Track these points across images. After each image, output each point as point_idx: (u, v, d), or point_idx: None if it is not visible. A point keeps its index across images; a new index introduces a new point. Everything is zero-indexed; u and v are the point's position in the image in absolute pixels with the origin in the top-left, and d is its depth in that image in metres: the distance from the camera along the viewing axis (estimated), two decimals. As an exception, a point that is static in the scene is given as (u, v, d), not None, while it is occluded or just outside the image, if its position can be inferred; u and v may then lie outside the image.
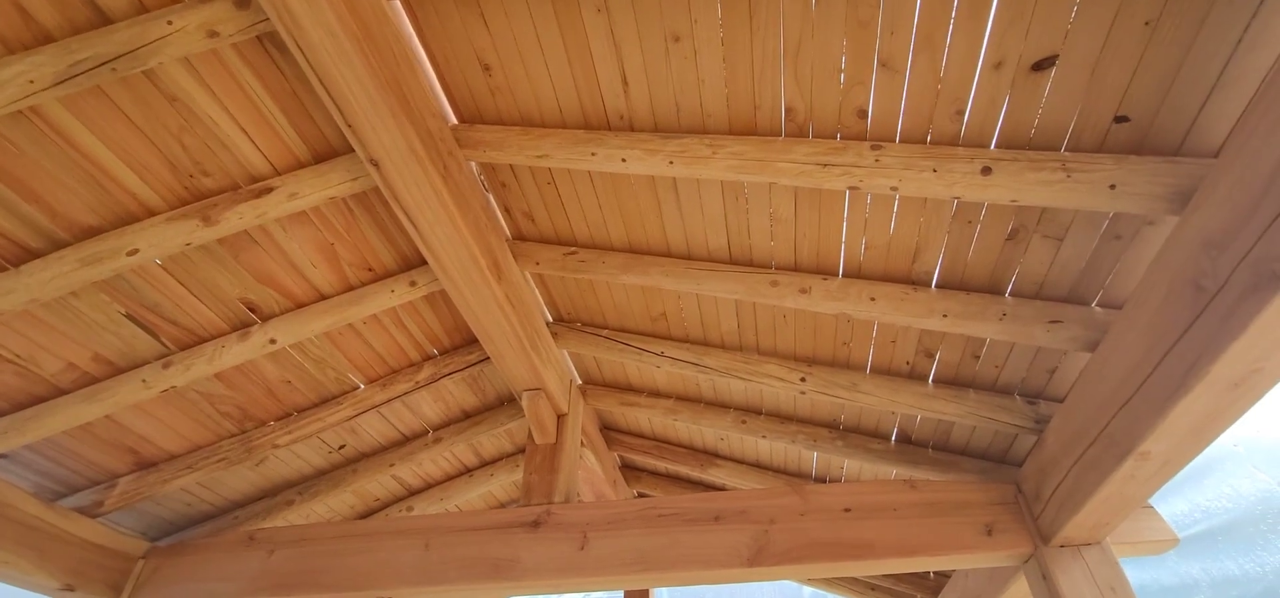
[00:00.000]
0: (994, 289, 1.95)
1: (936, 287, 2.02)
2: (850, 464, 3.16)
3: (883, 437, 2.86)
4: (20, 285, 1.87)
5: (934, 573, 3.85)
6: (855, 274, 2.09)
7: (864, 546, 2.33)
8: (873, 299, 2.03)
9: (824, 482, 3.43)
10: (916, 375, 2.43)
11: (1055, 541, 2.20)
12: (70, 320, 2.10)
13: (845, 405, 2.76)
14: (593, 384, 3.35)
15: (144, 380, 2.28)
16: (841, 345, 2.44)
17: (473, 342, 2.91)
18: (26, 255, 1.91)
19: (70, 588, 2.47)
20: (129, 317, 2.18)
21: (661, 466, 3.99)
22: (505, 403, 3.34)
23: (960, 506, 2.39)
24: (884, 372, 2.46)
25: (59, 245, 1.92)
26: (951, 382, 2.38)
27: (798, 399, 2.86)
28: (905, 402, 2.40)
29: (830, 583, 4.36)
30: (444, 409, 3.23)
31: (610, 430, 3.85)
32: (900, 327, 2.25)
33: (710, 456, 3.62)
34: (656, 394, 3.22)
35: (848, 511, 2.42)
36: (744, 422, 3.04)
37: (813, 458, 3.27)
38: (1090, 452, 1.88)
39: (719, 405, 3.10)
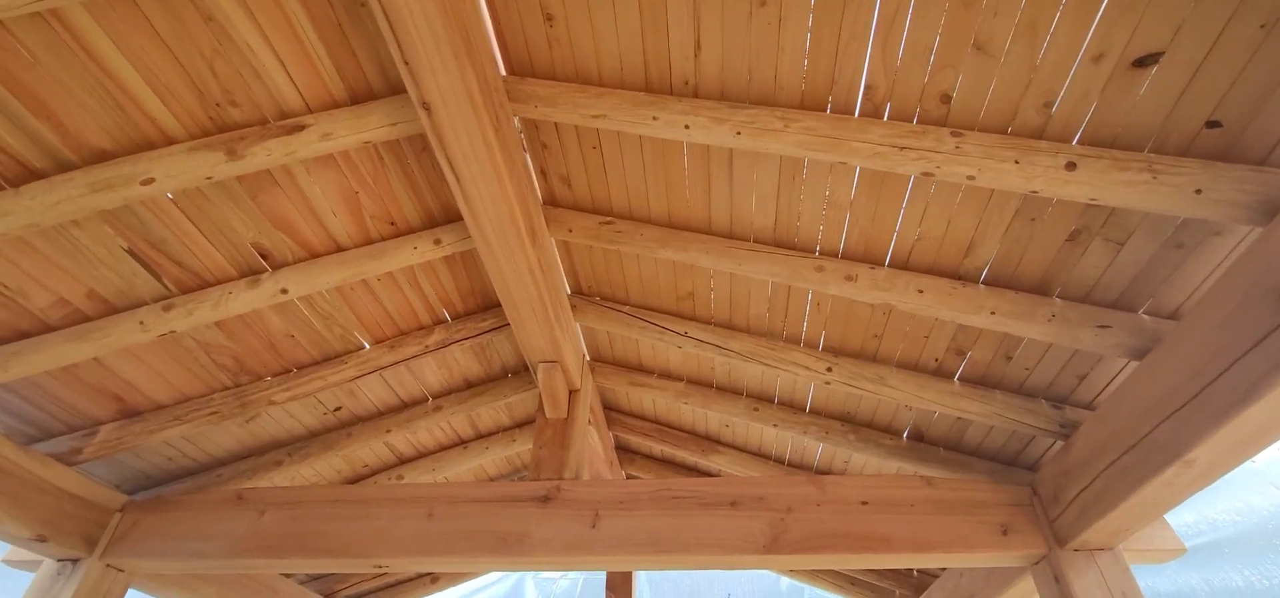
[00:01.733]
0: (1043, 290, 1.95)
1: (984, 283, 2.01)
2: (857, 459, 3.17)
3: (895, 433, 2.87)
4: (19, 207, 1.71)
5: (917, 571, 3.90)
6: (902, 265, 2.07)
7: (880, 539, 2.33)
8: (920, 292, 2.01)
9: (826, 475, 3.43)
10: (943, 373, 2.43)
11: (1070, 544, 2.23)
12: (67, 252, 1.94)
13: (863, 399, 2.75)
14: (601, 361, 3.28)
15: (141, 322, 2.12)
16: (872, 338, 2.42)
17: (487, 308, 2.81)
18: (28, 176, 1.74)
19: (42, 539, 2.30)
20: (131, 252, 2.02)
21: (658, 449, 3.95)
22: (510, 375, 3.24)
23: (975, 505, 2.40)
24: (912, 367, 2.45)
25: (66, 167, 1.75)
26: (979, 382, 2.38)
27: (814, 390, 2.84)
28: (931, 398, 2.40)
29: (812, 576, 4.39)
30: (447, 377, 3.12)
31: (609, 410, 3.79)
32: (935, 323, 2.24)
33: (712, 442, 3.59)
34: (668, 376, 3.16)
35: (865, 504, 2.41)
36: (756, 409, 3.01)
37: (817, 450, 3.26)
38: (1126, 458, 1.89)
39: (732, 391, 3.06)
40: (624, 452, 4.21)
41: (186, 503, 2.66)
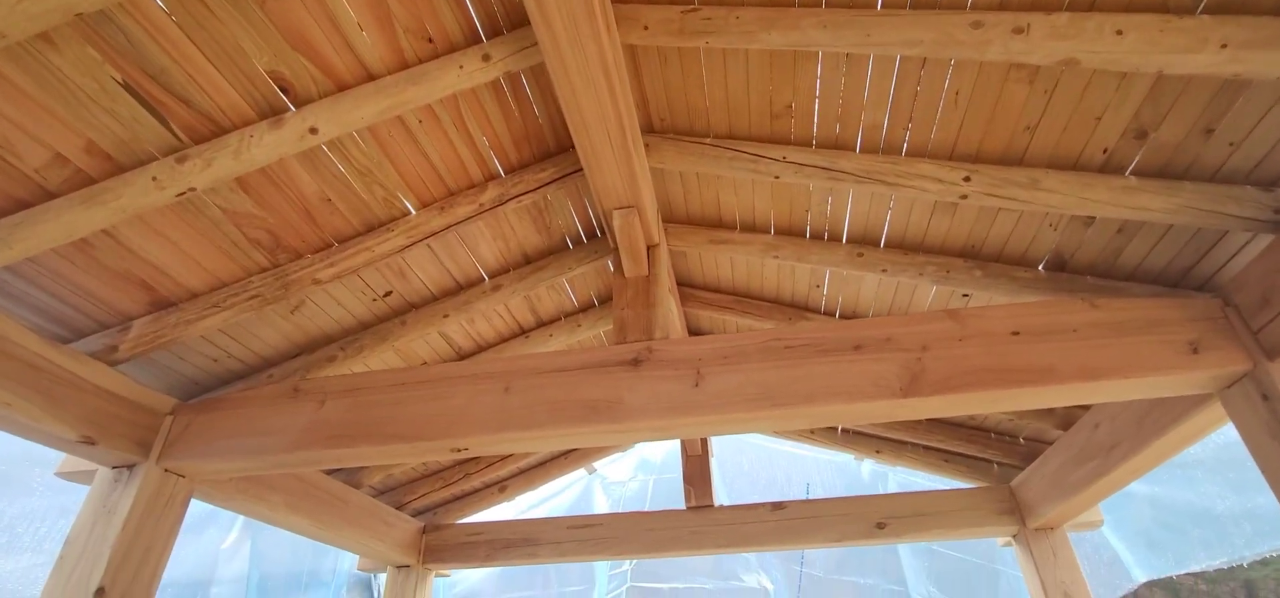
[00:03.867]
0: (1290, 9, 1.47)
1: (1204, 13, 1.53)
2: (980, 302, 2.75)
3: (1030, 265, 2.44)
4: (-27, 12, 1.35)
5: (1024, 438, 3.55)
6: (1088, 7, 1.60)
7: (1040, 371, 1.95)
8: (1119, 33, 1.54)
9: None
10: (1113, 167, 1.98)
11: (1287, 353, 1.82)
12: (51, 90, 1.60)
13: (994, 225, 2.32)
14: (673, 222, 2.90)
15: (154, 178, 1.79)
16: (1022, 132, 1.97)
17: (546, 156, 2.43)
18: (-22, -29, 1.38)
19: (90, 441, 2.07)
20: (126, 87, 1.68)
21: (734, 325, 3.59)
22: (572, 245, 2.89)
23: (1153, 323, 1.99)
24: (1071, 166, 2.01)
25: (25, -43, 1.39)
26: (1160, 173, 1.93)
27: (932, 222, 2.41)
28: (1098, 198, 1.96)
29: (899, 453, 4.09)
30: (503, 249, 2.78)
31: (681, 286, 3.43)
32: (1118, 91, 1.77)
33: (799, 310, 3.22)
34: (753, 229, 2.77)
35: (1016, 334, 2.02)
36: (860, 254, 2.60)
37: (928, 298, 2.85)
38: (1407, 219, 1.45)
39: (831, 238, 2.66)
40: (697, 335, 3.88)
41: (240, 400, 2.42)
